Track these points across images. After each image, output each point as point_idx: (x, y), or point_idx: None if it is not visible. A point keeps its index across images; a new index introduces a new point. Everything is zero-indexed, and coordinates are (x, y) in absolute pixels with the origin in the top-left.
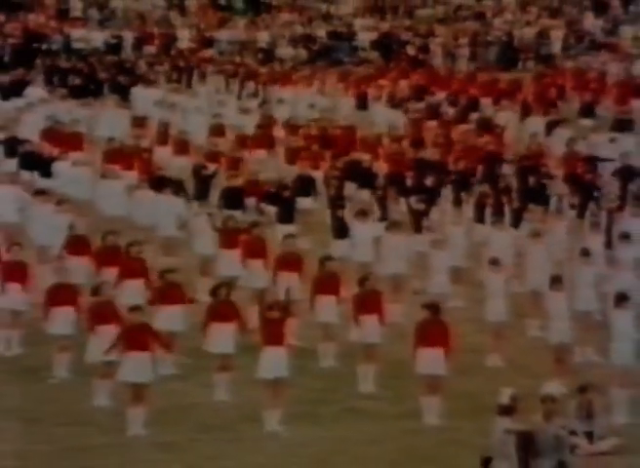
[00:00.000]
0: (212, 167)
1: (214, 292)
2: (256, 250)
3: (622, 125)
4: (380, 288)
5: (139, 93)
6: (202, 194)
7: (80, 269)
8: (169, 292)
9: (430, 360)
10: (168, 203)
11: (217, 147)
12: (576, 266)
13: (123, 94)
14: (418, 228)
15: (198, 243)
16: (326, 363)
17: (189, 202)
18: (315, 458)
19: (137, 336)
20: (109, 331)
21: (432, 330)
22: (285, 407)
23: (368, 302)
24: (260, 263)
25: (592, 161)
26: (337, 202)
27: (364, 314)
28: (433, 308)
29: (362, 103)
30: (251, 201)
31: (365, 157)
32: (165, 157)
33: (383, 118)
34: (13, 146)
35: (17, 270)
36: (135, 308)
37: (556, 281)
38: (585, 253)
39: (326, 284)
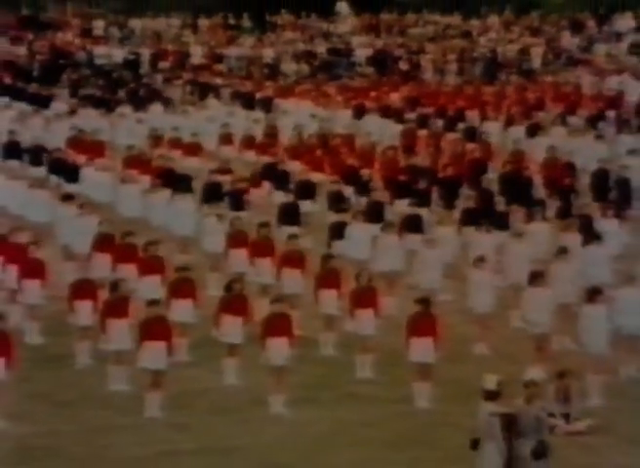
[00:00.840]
0: (222, 177)
1: (229, 286)
2: (263, 248)
3: (597, 119)
4: (375, 283)
5: (156, 110)
6: (211, 197)
7: (105, 265)
8: (183, 286)
9: (421, 349)
10: (181, 204)
11: (228, 163)
12: (555, 263)
13: (140, 105)
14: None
15: (208, 241)
16: (326, 351)
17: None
18: (316, 438)
19: (154, 327)
20: (121, 325)
21: (423, 321)
22: (288, 391)
23: (364, 297)
24: (267, 261)
25: (570, 166)
26: (336, 205)
27: (360, 308)
28: (425, 302)
29: (358, 114)
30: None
31: (365, 172)
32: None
33: (378, 127)
34: (38, 154)
35: (34, 267)
36: (153, 302)
37: (537, 277)
38: (563, 251)
39: (328, 279)
